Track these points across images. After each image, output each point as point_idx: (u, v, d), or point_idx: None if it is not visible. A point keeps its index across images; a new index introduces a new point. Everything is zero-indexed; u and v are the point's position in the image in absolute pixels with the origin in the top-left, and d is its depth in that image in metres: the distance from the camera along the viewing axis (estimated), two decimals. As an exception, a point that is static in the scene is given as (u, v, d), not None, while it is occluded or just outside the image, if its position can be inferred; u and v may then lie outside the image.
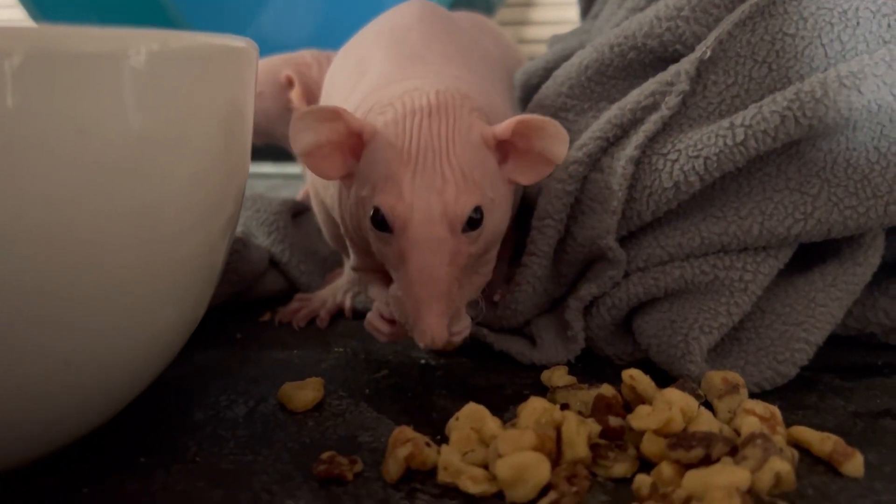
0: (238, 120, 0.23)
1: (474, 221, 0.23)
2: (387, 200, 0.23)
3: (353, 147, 0.24)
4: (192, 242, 0.22)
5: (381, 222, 0.23)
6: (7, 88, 0.16)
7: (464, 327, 0.26)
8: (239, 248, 0.34)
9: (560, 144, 0.24)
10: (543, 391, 0.25)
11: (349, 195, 0.25)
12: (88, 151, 0.17)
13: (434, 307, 0.22)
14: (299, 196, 0.44)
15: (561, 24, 0.75)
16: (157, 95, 0.19)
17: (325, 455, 0.21)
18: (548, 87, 0.31)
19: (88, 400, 0.21)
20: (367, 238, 0.25)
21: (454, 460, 0.20)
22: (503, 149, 0.24)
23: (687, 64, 0.26)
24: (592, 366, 0.28)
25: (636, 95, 0.26)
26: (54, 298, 0.18)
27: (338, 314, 0.34)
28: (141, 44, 0.18)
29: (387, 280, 0.27)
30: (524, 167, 0.24)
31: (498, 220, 0.25)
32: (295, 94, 0.43)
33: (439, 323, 0.22)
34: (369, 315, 0.26)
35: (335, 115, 0.23)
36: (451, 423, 0.22)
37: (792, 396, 0.25)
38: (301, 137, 0.24)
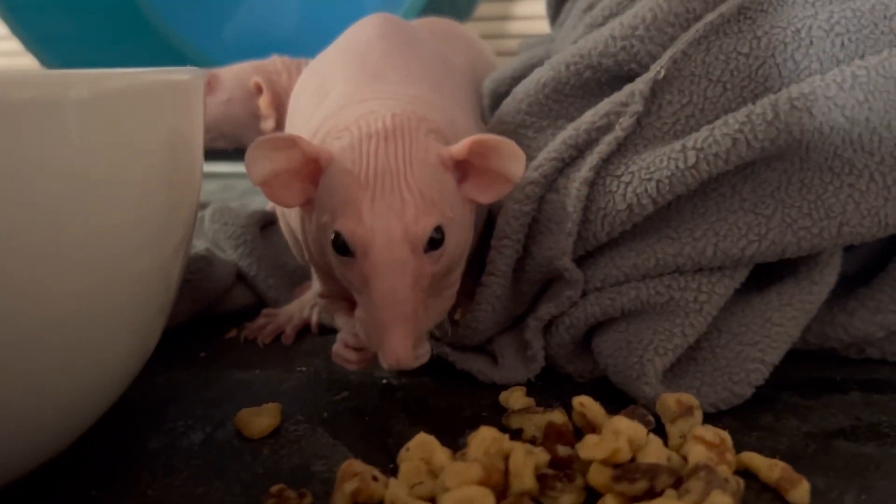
0: (185, 147, 0.23)
1: (435, 241, 0.23)
2: (347, 225, 0.23)
3: (311, 174, 0.24)
4: (139, 270, 0.22)
5: (342, 247, 0.23)
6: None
7: (424, 351, 0.26)
8: (203, 266, 0.34)
9: (516, 163, 0.24)
10: (502, 412, 0.25)
11: (310, 222, 0.25)
12: (30, 189, 0.18)
13: (399, 329, 0.22)
14: (269, 206, 0.44)
15: (542, 19, 0.74)
16: (98, 134, 0.19)
17: (274, 489, 0.21)
18: (508, 104, 0.31)
19: (35, 434, 0.21)
20: (330, 263, 0.25)
21: (400, 494, 0.20)
22: (462, 168, 0.24)
23: (641, 84, 0.26)
24: (554, 384, 0.28)
25: (591, 116, 0.26)
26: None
27: (304, 329, 0.34)
28: (78, 86, 0.18)
29: (352, 308, 0.27)
30: (483, 186, 0.24)
31: (459, 239, 0.25)
32: (263, 102, 0.43)
33: (404, 344, 0.22)
34: (336, 346, 0.26)
35: (290, 143, 0.23)
36: (402, 453, 0.22)
37: (748, 416, 0.25)
38: (257, 167, 0.23)
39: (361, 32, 0.31)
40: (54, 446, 0.22)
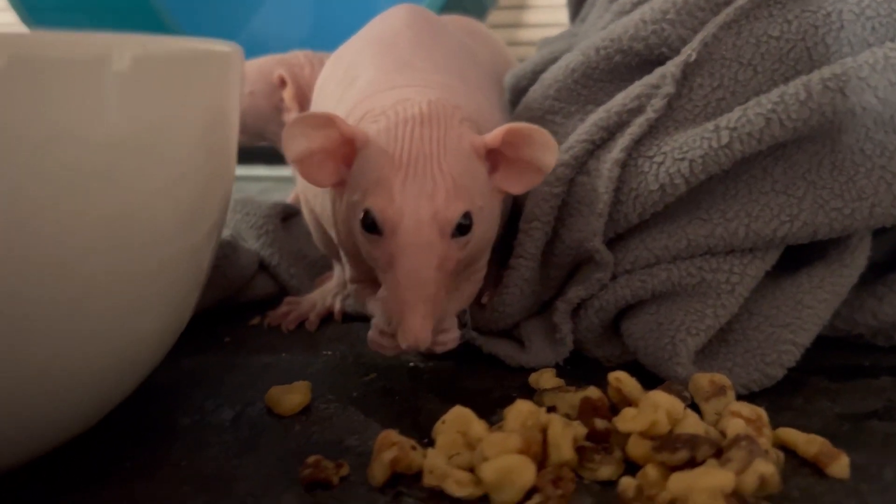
0: (222, 124, 0.23)
1: (464, 227, 0.23)
2: (377, 203, 0.23)
3: (345, 155, 0.24)
4: (174, 247, 0.21)
5: (371, 225, 0.23)
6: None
7: (451, 338, 0.26)
8: (228, 253, 0.34)
9: (548, 153, 0.24)
10: (531, 394, 0.25)
11: (341, 202, 0.25)
12: (69, 155, 0.17)
13: (419, 309, 0.22)
14: (290, 199, 0.44)
15: (554, 27, 0.75)
16: (139, 100, 0.19)
17: (310, 459, 0.21)
18: (535, 91, 0.31)
19: (68, 408, 0.21)
20: (358, 243, 0.25)
21: (440, 463, 0.20)
22: (493, 158, 0.25)
23: (672, 67, 0.26)
24: (581, 368, 0.28)
25: (622, 98, 0.27)
26: (30, 304, 0.18)
27: (327, 317, 0.34)
28: (123, 49, 0.18)
29: None
30: (513, 176, 0.25)
31: (486, 228, 0.25)
32: (287, 94, 0.43)
33: (424, 325, 0.22)
34: (370, 333, 0.26)
35: (328, 121, 0.23)
36: (438, 426, 0.22)
37: (778, 398, 0.25)
38: (294, 144, 0.24)
39: (389, 22, 0.31)
40: (89, 417, 0.22)
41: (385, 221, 0.23)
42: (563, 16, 0.75)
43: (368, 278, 0.28)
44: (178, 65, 0.20)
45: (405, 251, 0.22)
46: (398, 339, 0.23)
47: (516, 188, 0.25)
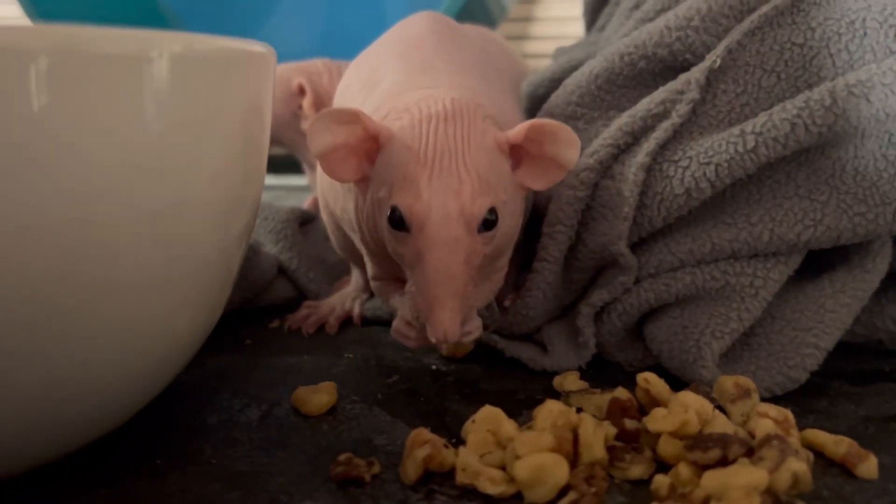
0: (257, 124, 0.23)
1: (489, 222, 0.23)
2: (404, 200, 0.23)
3: (369, 151, 0.25)
4: (208, 245, 0.22)
5: (398, 222, 0.23)
6: (32, 89, 0.16)
7: (475, 327, 0.26)
8: (249, 256, 0.34)
9: (571, 150, 0.24)
10: (555, 397, 0.26)
11: (365, 199, 0.25)
12: (108, 152, 0.18)
13: (448, 303, 0.23)
14: (306, 205, 0.44)
15: (561, 40, 0.76)
16: (178, 98, 0.19)
17: (342, 457, 0.21)
18: (557, 96, 0.31)
19: (104, 403, 0.21)
20: (383, 241, 0.25)
21: (472, 461, 0.20)
22: (516, 154, 0.25)
23: (697, 73, 0.26)
24: (603, 372, 0.28)
25: (647, 103, 0.27)
26: (71, 300, 0.18)
27: (346, 321, 0.34)
28: (164, 46, 0.18)
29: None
30: (536, 172, 0.25)
31: (511, 223, 0.25)
32: (306, 103, 0.44)
33: (452, 318, 0.23)
34: (395, 322, 0.26)
35: (353, 117, 0.24)
36: (468, 425, 0.22)
37: (803, 401, 0.25)
38: (318, 139, 0.24)
39: (411, 27, 0.32)
40: (122, 414, 0.22)
41: (412, 218, 0.23)
42: (570, 29, 0.76)
43: (391, 275, 0.28)
44: (216, 63, 0.20)
45: (433, 247, 0.23)
46: (427, 334, 0.23)
47: (539, 184, 0.25)
